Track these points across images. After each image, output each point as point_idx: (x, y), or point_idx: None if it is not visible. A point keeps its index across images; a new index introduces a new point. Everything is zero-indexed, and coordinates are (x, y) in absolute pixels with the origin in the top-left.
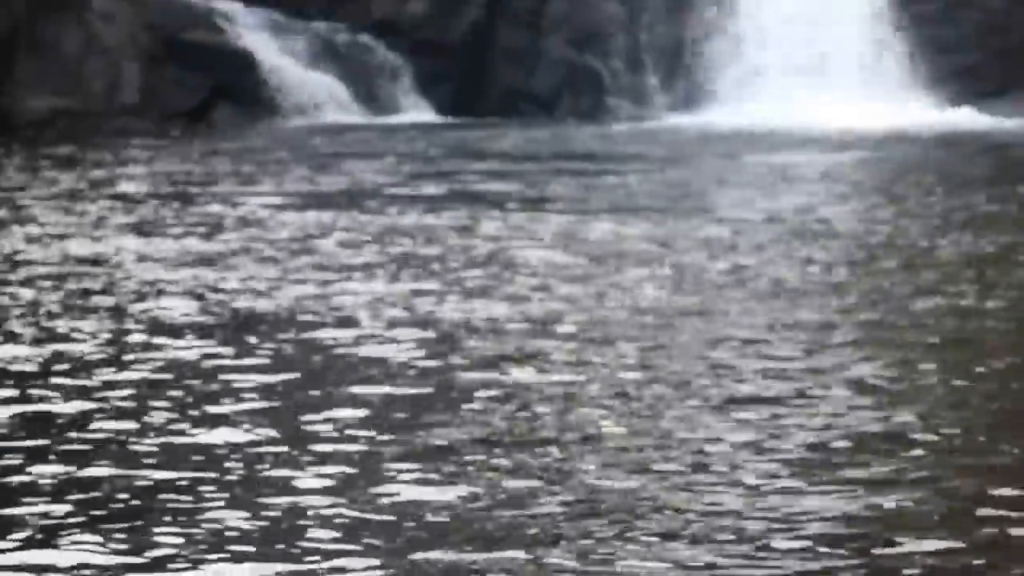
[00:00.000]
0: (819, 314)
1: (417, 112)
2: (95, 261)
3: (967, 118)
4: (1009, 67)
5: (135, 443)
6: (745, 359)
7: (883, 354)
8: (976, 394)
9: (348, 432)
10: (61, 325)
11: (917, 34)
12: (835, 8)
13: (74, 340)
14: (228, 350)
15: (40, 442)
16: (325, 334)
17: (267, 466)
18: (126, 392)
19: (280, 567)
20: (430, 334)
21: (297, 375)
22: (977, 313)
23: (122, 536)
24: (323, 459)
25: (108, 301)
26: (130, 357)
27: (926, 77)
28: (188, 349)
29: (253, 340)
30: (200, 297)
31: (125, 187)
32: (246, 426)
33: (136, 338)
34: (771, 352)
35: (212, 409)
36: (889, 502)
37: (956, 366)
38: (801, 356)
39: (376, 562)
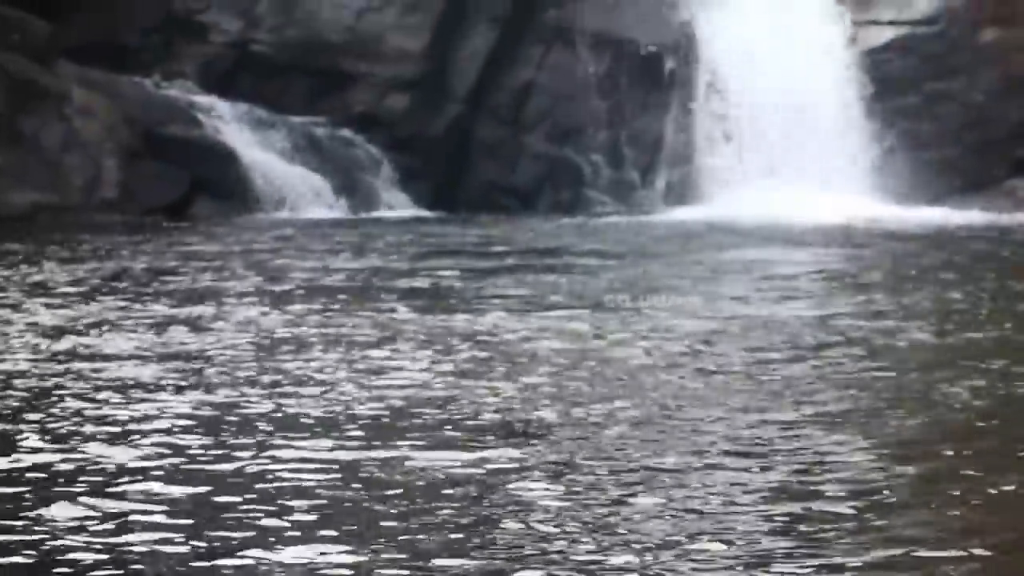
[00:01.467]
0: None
1: (397, 206)
2: (60, 357)
3: (945, 214)
4: (988, 162)
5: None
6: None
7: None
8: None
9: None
10: (15, 424)
11: (896, 128)
12: (814, 104)
13: (27, 441)
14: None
15: None
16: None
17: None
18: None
19: None
20: (395, 424)
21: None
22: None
23: None
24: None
25: (69, 399)
26: (80, 463)
27: (904, 172)
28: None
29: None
30: (164, 394)
31: (97, 282)
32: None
33: (93, 440)
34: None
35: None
36: None
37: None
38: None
39: None
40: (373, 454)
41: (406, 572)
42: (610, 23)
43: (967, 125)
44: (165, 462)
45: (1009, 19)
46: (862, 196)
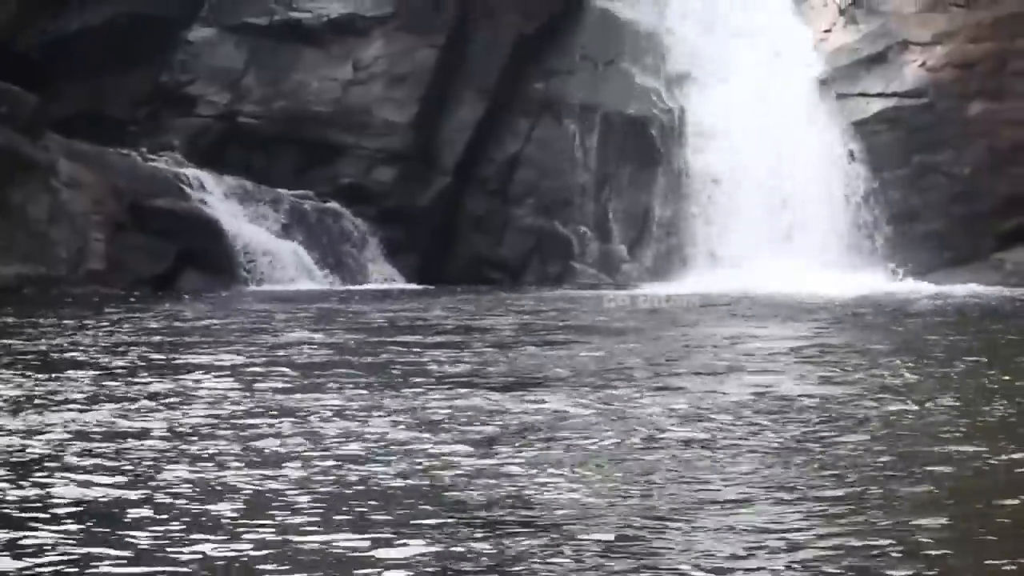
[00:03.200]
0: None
1: (384, 279)
2: (30, 433)
3: (931, 287)
4: (975, 235)
5: None
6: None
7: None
8: None
9: None
10: None
11: (883, 201)
12: (801, 177)
13: None
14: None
15: None
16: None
17: None
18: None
19: None
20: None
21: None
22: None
23: None
24: None
25: (45, 479)
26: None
27: (891, 245)
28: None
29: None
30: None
31: (75, 357)
32: None
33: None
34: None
35: None
36: None
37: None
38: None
39: None
40: (326, 537)
41: None
42: (597, 96)
43: (955, 198)
44: (92, 549)
45: (996, 93)
46: (850, 270)
